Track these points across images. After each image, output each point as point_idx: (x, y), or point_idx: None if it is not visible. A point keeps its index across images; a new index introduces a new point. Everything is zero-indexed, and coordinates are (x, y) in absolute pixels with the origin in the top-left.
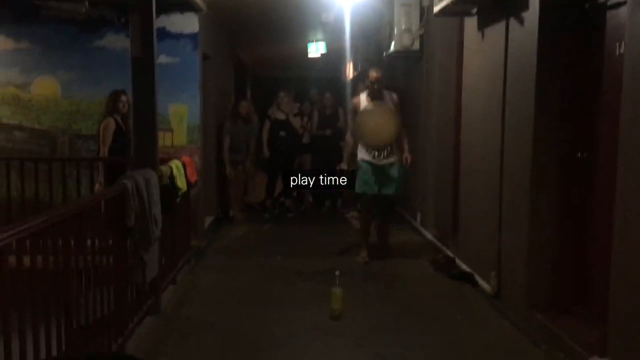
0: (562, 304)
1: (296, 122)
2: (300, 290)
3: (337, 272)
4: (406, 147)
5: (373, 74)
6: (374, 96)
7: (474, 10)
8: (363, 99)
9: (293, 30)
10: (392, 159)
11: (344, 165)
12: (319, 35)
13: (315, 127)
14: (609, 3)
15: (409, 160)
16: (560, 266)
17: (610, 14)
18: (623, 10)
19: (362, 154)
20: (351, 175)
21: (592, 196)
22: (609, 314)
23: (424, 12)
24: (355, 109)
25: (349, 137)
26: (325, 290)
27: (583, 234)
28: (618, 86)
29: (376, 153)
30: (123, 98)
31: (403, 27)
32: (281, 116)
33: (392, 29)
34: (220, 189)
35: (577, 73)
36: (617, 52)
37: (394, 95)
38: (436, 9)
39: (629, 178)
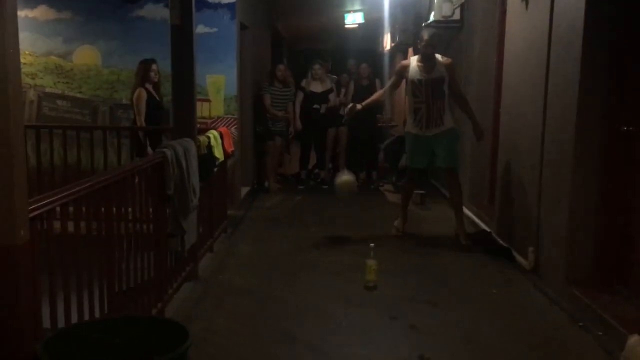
0: (602, 281)
1: (331, 95)
2: (335, 261)
3: (371, 244)
4: (473, 116)
5: (425, 36)
6: (426, 60)
7: None
8: (413, 63)
9: (330, 0)
10: (443, 128)
11: (358, 106)
12: (357, 5)
13: (350, 99)
14: None
15: (482, 134)
16: (601, 242)
17: None
18: None
19: (408, 126)
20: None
21: (638, 171)
22: None
23: None
24: (402, 72)
25: (382, 92)
26: (360, 262)
27: (626, 210)
28: None
29: (424, 124)
30: (154, 67)
31: None
32: (316, 88)
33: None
34: (257, 159)
35: (625, 44)
36: None
37: (447, 60)
38: None
39: None
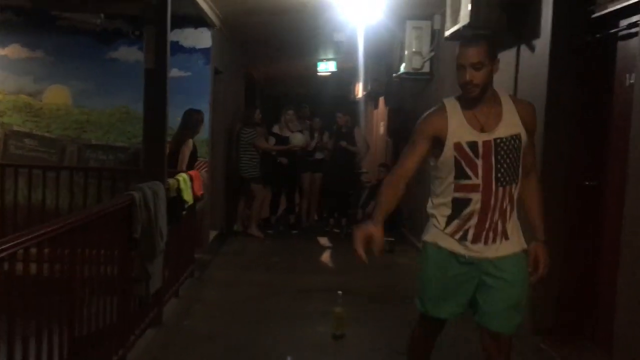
0: (567, 333)
1: (301, 139)
2: (303, 308)
3: (339, 292)
4: (541, 228)
5: (468, 50)
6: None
7: (484, 36)
8: (457, 113)
9: (304, 49)
10: (509, 247)
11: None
12: (330, 54)
13: (331, 145)
14: (620, 34)
15: (542, 267)
16: (566, 294)
17: (620, 44)
18: (634, 42)
19: (434, 232)
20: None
21: (601, 224)
22: (613, 346)
23: (435, 35)
24: (436, 131)
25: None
26: (328, 309)
27: (589, 261)
28: (627, 116)
29: (473, 233)
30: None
31: (414, 49)
32: (287, 134)
33: (402, 51)
34: (229, 202)
35: (587, 102)
36: (627, 82)
37: (524, 103)
38: (447, 33)
39: (637, 207)
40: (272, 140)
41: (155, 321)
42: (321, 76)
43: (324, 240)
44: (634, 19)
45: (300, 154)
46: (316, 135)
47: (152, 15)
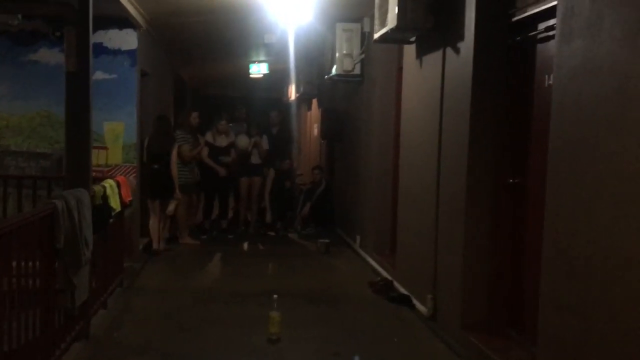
0: (496, 326)
1: (246, 142)
2: (238, 313)
3: (275, 296)
4: None
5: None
6: None
7: (413, 38)
8: None
9: (235, 51)
10: None
11: None
12: (262, 56)
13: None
14: (538, 37)
15: None
16: (494, 288)
17: (539, 47)
18: (551, 44)
19: None
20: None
21: (525, 219)
22: (539, 336)
23: (365, 37)
24: None
25: None
26: (264, 313)
27: (517, 257)
28: (547, 116)
29: None
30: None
31: (344, 52)
32: (221, 142)
33: (334, 53)
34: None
35: (510, 102)
36: (546, 83)
37: None
38: (376, 35)
39: (556, 203)
40: (206, 149)
41: (82, 334)
42: (254, 78)
43: (246, 245)
44: (551, 22)
45: (239, 158)
46: (252, 140)
47: (73, 16)
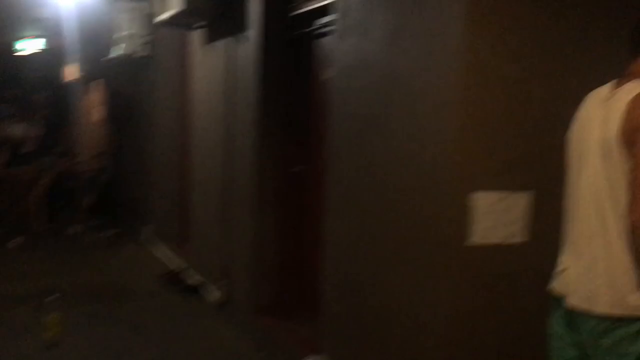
0: (285, 308)
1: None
2: (10, 318)
3: (54, 296)
4: None
5: None
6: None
7: (200, 24)
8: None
9: (2, 23)
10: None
11: None
12: (35, 31)
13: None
14: (314, 33)
15: None
16: (282, 272)
17: (316, 42)
18: (327, 40)
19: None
20: None
21: (308, 206)
22: (321, 315)
23: (152, 18)
24: None
25: None
26: (41, 316)
27: (301, 241)
28: (325, 109)
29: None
30: None
31: (130, 32)
32: None
33: (118, 33)
34: None
35: (293, 95)
36: (322, 77)
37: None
38: (160, 18)
39: (332, 193)
40: None
41: None
42: (26, 56)
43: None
44: (325, 19)
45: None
46: (25, 125)
47: None
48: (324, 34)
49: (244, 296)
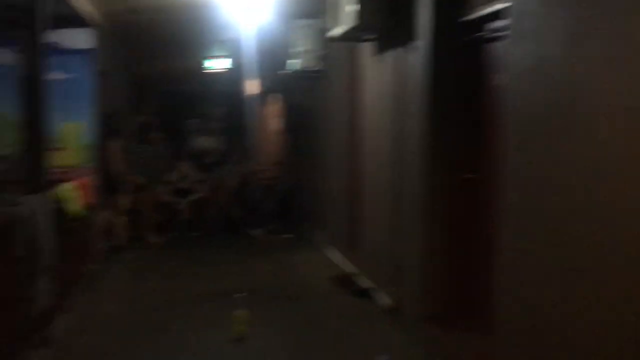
0: (455, 318)
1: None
2: (204, 313)
3: (240, 294)
4: None
5: None
6: None
7: (371, 37)
8: None
9: (193, 46)
10: None
11: None
12: (220, 51)
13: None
14: (487, 36)
15: None
16: (453, 281)
17: (487, 47)
18: (499, 45)
19: None
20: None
21: (480, 214)
22: (496, 328)
23: (325, 34)
24: None
25: None
26: (229, 312)
27: (473, 250)
28: (498, 113)
29: None
30: None
31: (305, 48)
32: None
33: (294, 48)
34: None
35: (465, 100)
36: (495, 82)
37: None
38: (334, 33)
39: (511, 200)
40: (165, 189)
41: (43, 340)
42: (212, 73)
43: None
44: (497, 24)
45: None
46: (211, 138)
47: (23, 17)
48: (495, 39)
49: (413, 303)
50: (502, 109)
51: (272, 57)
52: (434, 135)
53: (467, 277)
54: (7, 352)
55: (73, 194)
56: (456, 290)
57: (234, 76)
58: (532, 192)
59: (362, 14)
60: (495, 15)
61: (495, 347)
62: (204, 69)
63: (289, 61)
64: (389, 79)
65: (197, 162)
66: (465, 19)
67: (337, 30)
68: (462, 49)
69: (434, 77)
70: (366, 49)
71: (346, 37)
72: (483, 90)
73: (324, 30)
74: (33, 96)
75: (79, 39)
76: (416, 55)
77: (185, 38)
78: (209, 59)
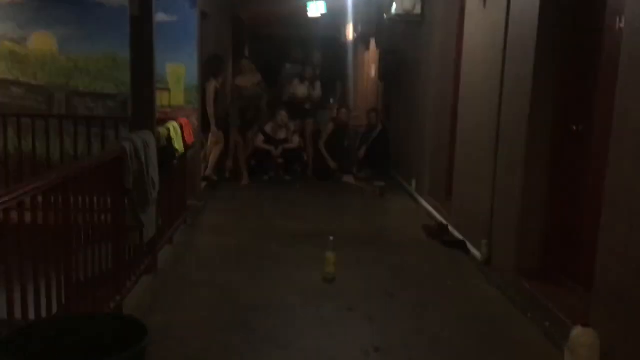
0: (550, 273)
1: (303, 91)
2: (295, 253)
3: (331, 237)
4: None
5: None
6: None
7: None
8: None
9: None
10: None
11: None
12: None
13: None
14: None
15: None
16: (550, 236)
17: None
18: None
19: None
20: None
21: (586, 168)
22: (594, 285)
23: None
24: None
25: None
26: (320, 253)
27: (575, 205)
28: (616, 61)
29: None
30: None
31: None
32: (243, 83)
33: None
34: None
35: (577, 45)
36: (617, 26)
37: None
38: None
39: (620, 152)
40: (261, 137)
41: (150, 268)
42: (312, 18)
43: (303, 187)
44: None
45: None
46: (307, 84)
47: None
48: None
49: (506, 257)
50: (618, 56)
51: (371, 1)
52: (541, 82)
53: (568, 233)
54: (118, 277)
55: (176, 133)
56: (554, 246)
57: (333, 21)
58: None
59: None
60: None
61: (593, 305)
62: (307, 13)
63: (388, 7)
64: (494, 23)
65: (294, 108)
66: None
67: None
68: None
69: (544, 19)
70: None
71: None
72: (599, 36)
73: None
74: (141, 37)
75: None
76: None
77: None
78: (310, 1)
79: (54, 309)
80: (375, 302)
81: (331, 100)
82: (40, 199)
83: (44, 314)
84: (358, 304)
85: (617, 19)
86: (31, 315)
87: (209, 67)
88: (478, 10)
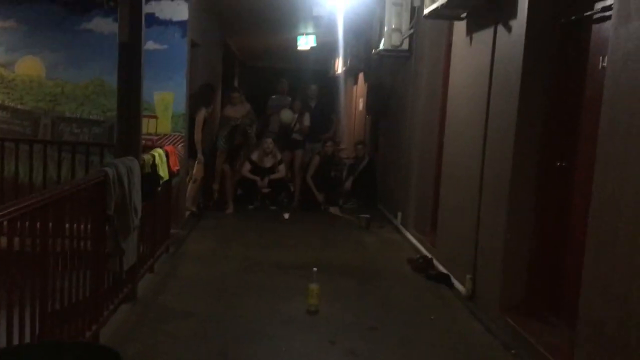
0: (534, 309)
1: (289, 117)
2: (278, 284)
3: (314, 269)
4: None
5: None
6: None
7: (464, 14)
8: None
9: (283, 22)
10: None
11: None
12: (310, 29)
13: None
14: (594, 17)
15: None
16: (534, 272)
17: (595, 27)
18: (608, 25)
19: None
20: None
21: (569, 205)
22: (578, 321)
23: (415, 12)
24: None
25: None
26: (303, 284)
27: (559, 241)
28: (599, 99)
29: None
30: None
31: (393, 26)
32: (233, 113)
33: (382, 27)
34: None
35: (560, 84)
36: (600, 65)
37: None
38: (426, 11)
39: (603, 188)
40: (248, 166)
41: (130, 297)
42: (301, 51)
43: (288, 217)
44: (608, 2)
45: (283, 132)
46: (296, 116)
47: None
48: (598, 19)
49: (490, 292)
50: (602, 94)
51: (361, 35)
52: (525, 120)
53: (552, 269)
54: (95, 305)
55: (162, 160)
56: (538, 282)
57: (322, 54)
58: (623, 186)
59: None
60: None
61: (575, 340)
62: (297, 46)
63: (376, 41)
64: (480, 60)
65: (281, 139)
66: None
67: (429, 7)
68: (562, 29)
69: (530, 58)
70: (457, 28)
71: (438, 14)
72: (583, 74)
73: (414, 8)
74: (130, 65)
75: (173, 10)
76: (511, 35)
77: (276, 13)
78: (300, 35)
79: (26, 339)
80: (358, 335)
81: (319, 133)
82: (18, 223)
83: (15, 343)
84: (341, 338)
85: (600, 59)
86: (1, 344)
87: (201, 95)
88: (464, 48)
